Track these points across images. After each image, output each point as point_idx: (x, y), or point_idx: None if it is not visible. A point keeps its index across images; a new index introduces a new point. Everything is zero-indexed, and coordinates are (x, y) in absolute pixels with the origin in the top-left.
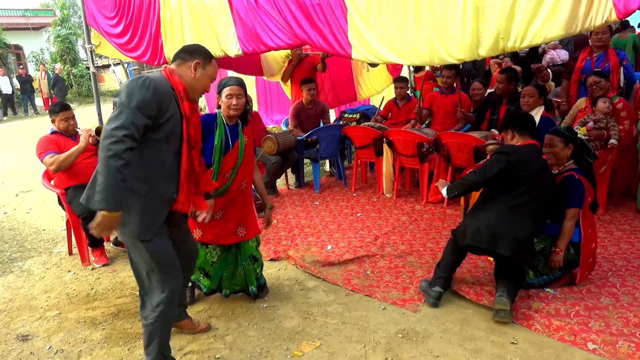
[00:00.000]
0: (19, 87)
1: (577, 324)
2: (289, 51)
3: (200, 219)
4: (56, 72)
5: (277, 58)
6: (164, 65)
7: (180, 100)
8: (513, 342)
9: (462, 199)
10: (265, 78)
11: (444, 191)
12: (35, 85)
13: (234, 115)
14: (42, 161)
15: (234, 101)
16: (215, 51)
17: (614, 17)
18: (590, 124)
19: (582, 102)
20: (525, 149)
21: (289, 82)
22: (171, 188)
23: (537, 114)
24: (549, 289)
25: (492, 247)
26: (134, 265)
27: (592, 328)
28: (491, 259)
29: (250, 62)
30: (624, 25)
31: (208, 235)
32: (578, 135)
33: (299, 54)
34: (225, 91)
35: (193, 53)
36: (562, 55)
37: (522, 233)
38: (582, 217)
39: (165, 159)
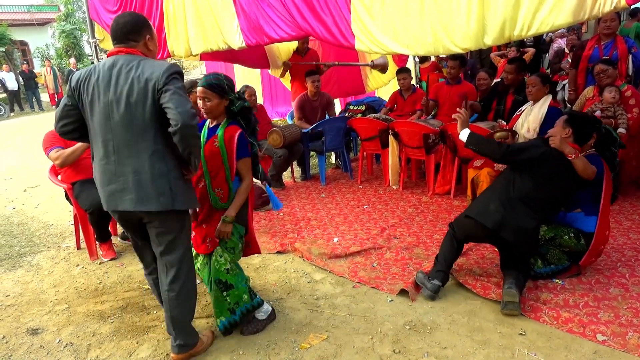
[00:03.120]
0: (23, 83)
1: (586, 315)
2: (295, 44)
3: None
4: (70, 67)
5: (282, 52)
6: (116, 49)
7: None
8: (521, 334)
9: (469, 190)
10: (270, 72)
11: (463, 133)
12: (41, 81)
13: (208, 117)
14: (47, 156)
15: (202, 104)
16: (219, 44)
17: (623, 3)
18: (598, 112)
19: (589, 91)
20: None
21: (287, 76)
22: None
23: (545, 103)
24: (557, 280)
25: (496, 229)
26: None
27: (601, 319)
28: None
29: (256, 56)
30: (632, 14)
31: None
32: None
33: (305, 47)
34: (197, 93)
35: (138, 29)
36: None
37: (529, 224)
38: (602, 204)
39: None
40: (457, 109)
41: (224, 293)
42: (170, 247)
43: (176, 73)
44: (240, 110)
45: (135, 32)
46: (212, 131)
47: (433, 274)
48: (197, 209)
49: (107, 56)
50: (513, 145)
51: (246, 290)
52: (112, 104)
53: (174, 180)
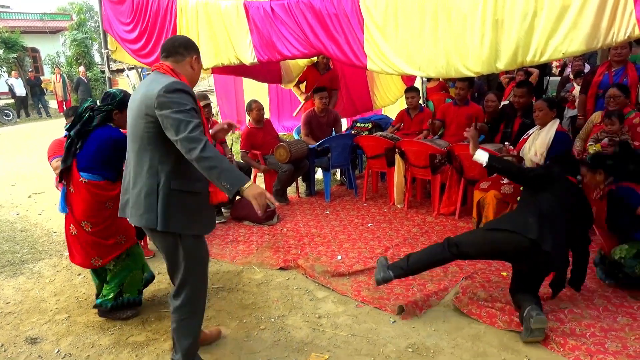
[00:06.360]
0: (29, 90)
1: (593, 345)
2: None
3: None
4: (80, 75)
5: (298, 64)
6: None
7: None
8: None
9: (474, 212)
10: (283, 86)
11: (483, 156)
12: (50, 88)
13: None
14: (50, 163)
15: None
16: (231, 59)
17: (637, 32)
18: (605, 140)
19: (597, 117)
20: (559, 175)
21: (301, 87)
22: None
23: (552, 128)
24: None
25: (539, 240)
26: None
27: (609, 349)
28: (504, 274)
29: (268, 71)
30: (638, 41)
31: None
32: (591, 152)
33: (325, 63)
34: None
35: (189, 47)
36: (584, 69)
37: (563, 239)
38: None
39: None
40: (467, 129)
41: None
42: (175, 270)
43: (175, 91)
44: None
45: (184, 47)
46: None
47: (395, 268)
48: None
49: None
50: (531, 167)
51: (116, 292)
52: (129, 116)
53: (166, 199)
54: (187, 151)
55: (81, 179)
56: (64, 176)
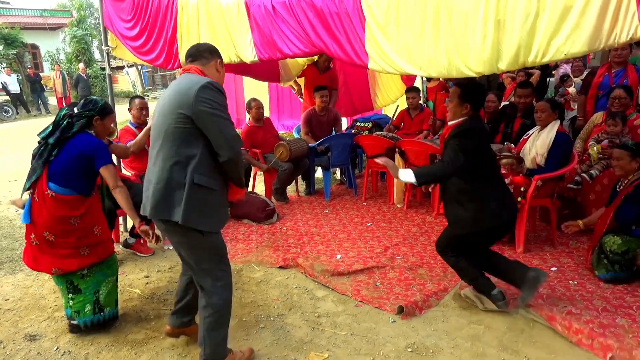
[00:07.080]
0: (23, 86)
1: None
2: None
3: None
4: (79, 72)
5: (297, 62)
6: (182, 68)
7: None
8: None
9: None
10: (281, 84)
11: (409, 175)
12: (50, 84)
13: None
14: None
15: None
16: (231, 57)
17: (639, 34)
18: (605, 142)
19: (598, 117)
20: (477, 122)
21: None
22: (226, 181)
23: (553, 129)
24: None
25: (505, 220)
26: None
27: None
28: None
29: (268, 69)
30: (638, 43)
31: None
32: (591, 152)
33: (326, 64)
34: None
35: (213, 52)
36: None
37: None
38: None
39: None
40: (377, 159)
41: (70, 295)
42: (197, 266)
43: (212, 89)
44: None
45: (209, 52)
46: None
47: (484, 287)
48: None
49: (180, 74)
50: (444, 161)
51: (92, 300)
52: (157, 114)
53: (191, 193)
54: (227, 149)
55: (48, 191)
56: (31, 185)
